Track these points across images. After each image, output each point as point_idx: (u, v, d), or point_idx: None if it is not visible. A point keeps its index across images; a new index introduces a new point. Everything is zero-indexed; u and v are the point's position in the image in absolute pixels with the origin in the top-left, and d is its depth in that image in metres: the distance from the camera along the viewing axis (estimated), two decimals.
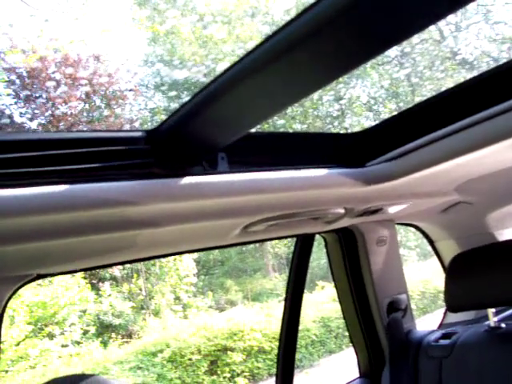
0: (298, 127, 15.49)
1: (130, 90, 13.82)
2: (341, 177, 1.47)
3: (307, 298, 10.91)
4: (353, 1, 0.64)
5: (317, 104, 15.74)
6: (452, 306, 1.94)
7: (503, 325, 1.92)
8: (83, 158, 1.01)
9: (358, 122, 15.98)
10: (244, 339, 9.51)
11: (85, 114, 12.98)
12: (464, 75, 13.83)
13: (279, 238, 2.04)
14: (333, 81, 0.89)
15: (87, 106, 13.09)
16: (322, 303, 11.52)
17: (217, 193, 1.18)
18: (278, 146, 1.44)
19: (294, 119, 15.39)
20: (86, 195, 0.99)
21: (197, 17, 14.21)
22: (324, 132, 12.47)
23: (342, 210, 1.71)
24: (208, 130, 1.04)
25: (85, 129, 12.24)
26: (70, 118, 12.36)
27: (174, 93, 15.27)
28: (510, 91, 1.21)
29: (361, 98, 16.50)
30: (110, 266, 1.62)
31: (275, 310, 10.82)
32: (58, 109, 12.22)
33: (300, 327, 2.26)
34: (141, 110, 15.83)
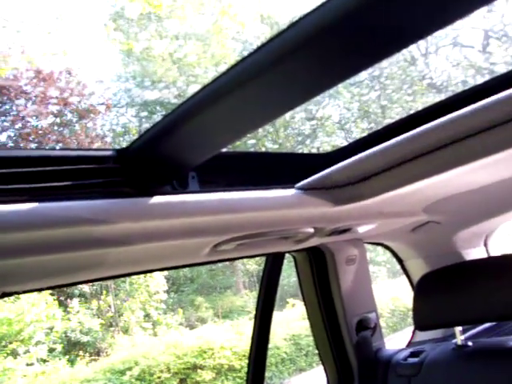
0: (269, 145, 15.58)
1: (102, 104, 13.75)
2: (310, 197, 1.48)
3: (277, 316, 10.89)
4: (325, 24, 0.65)
5: (289, 123, 15.85)
6: (420, 324, 1.96)
7: (470, 343, 1.94)
8: (53, 176, 1.01)
9: (329, 141, 16.13)
10: (214, 357, 9.43)
11: (55, 127, 12.83)
12: (432, 98, 14.12)
13: (249, 257, 2.04)
14: (305, 101, 0.90)
15: (58, 119, 12.95)
16: (293, 321, 11.51)
17: (187, 212, 1.18)
18: (248, 166, 1.45)
19: (266, 137, 15.46)
20: (55, 213, 0.98)
21: (169, 40, 14.23)
22: (294, 152, 12.60)
23: (311, 230, 1.71)
24: (179, 149, 1.04)
25: (56, 146, 12.13)
26: (40, 131, 12.21)
27: (144, 113, 15.24)
28: (475, 114, 1.24)
29: (332, 117, 16.69)
30: (78, 283, 1.60)
31: (245, 327, 10.77)
32: (29, 122, 12.07)
33: (270, 345, 2.25)
34: (108, 129, 15.77)
